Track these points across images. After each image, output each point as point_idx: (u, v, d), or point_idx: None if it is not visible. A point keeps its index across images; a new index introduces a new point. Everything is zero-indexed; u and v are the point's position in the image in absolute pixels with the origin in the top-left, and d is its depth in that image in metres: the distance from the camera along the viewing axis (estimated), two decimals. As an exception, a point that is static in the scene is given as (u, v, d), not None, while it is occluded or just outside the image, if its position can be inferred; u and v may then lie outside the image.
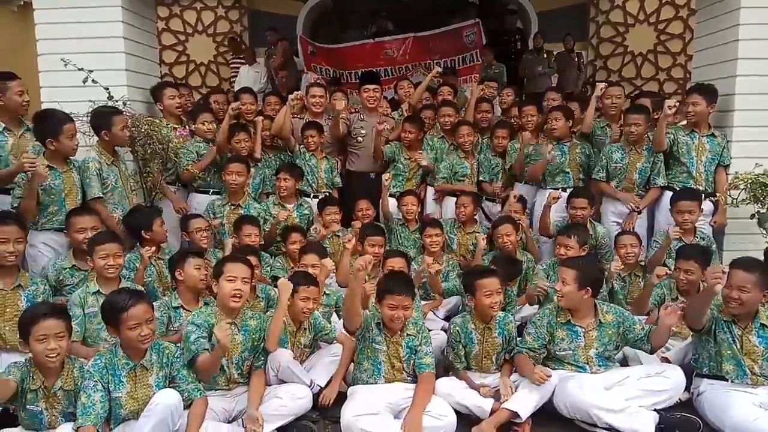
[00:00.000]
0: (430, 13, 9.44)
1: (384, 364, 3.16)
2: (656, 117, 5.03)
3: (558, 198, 4.59)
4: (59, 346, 2.64)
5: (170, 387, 2.83)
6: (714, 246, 4.47)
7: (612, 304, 3.51)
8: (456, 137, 5.24)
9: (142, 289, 3.51)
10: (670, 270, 3.87)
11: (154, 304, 3.40)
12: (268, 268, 4.39)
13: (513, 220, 4.52)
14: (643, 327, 3.31)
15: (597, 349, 3.26)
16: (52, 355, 2.62)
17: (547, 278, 4.14)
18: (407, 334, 3.20)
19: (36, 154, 3.86)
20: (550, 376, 3.06)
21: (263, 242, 4.51)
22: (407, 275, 3.53)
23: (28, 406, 2.67)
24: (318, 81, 6.15)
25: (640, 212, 4.77)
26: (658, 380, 3.14)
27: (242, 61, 8.76)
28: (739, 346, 3.14)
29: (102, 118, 4.18)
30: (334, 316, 3.94)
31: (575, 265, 3.27)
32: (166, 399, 2.70)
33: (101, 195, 4.08)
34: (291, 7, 9.38)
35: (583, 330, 3.26)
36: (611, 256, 4.56)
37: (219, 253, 4.32)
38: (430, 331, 3.78)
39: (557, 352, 3.29)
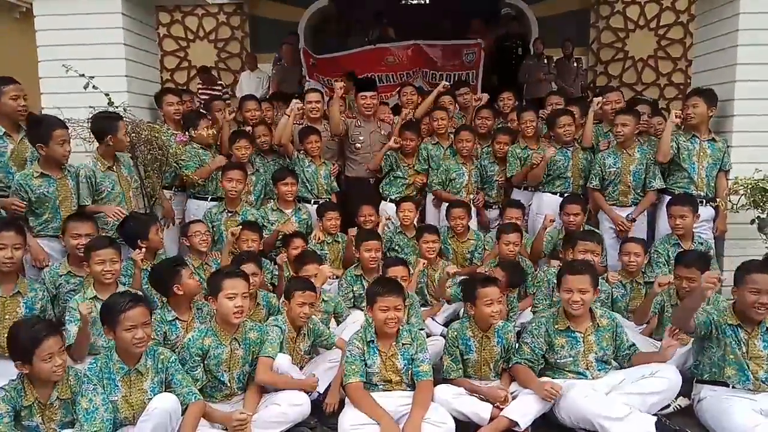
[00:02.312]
0: (433, 19, 9.50)
1: (379, 385, 3.13)
2: (660, 124, 5.03)
3: (553, 221, 4.58)
4: (63, 360, 2.64)
5: (166, 392, 2.82)
6: (712, 251, 4.45)
7: (605, 309, 3.51)
8: (455, 142, 5.24)
9: (141, 294, 3.51)
10: (672, 279, 3.85)
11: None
12: (269, 275, 4.38)
13: (519, 228, 4.52)
14: (631, 345, 3.34)
15: (596, 354, 3.25)
16: (59, 371, 2.62)
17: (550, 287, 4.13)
18: (402, 344, 3.17)
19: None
20: (559, 391, 3.01)
21: (262, 248, 4.49)
22: (395, 279, 3.49)
23: (23, 422, 2.63)
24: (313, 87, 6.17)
25: (633, 220, 4.77)
26: (653, 381, 3.12)
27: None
28: (744, 351, 3.12)
29: (109, 122, 4.17)
30: (333, 323, 3.93)
31: (588, 270, 3.29)
32: (164, 403, 2.70)
33: (88, 203, 4.08)
34: (292, 14, 9.43)
35: (582, 335, 3.25)
36: (605, 260, 4.56)
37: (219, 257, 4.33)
38: (429, 337, 3.79)
39: (558, 360, 3.26)
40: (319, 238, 4.75)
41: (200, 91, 8.55)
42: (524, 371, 3.22)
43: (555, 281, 4.06)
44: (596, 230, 4.68)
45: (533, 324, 3.36)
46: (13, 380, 2.66)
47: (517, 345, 3.41)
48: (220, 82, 8.86)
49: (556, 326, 3.27)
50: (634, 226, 4.78)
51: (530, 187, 5.25)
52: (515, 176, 5.18)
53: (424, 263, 4.35)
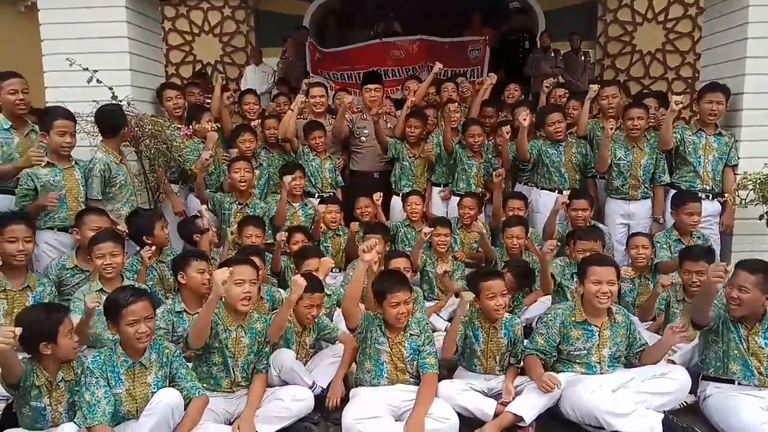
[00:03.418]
0: (437, 13, 9.44)
1: (387, 365, 3.13)
2: (663, 115, 4.98)
3: (566, 203, 4.51)
4: (76, 339, 2.79)
5: (170, 386, 2.83)
6: (715, 245, 4.40)
7: (620, 306, 3.47)
8: (465, 136, 5.21)
9: (147, 287, 3.51)
10: (674, 280, 3.81)
11: (158, 310, 3.40)
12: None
13: (525, 222, 4.50)
14: (642, 344, 3.31)
15: (610, 349, 3.23)
16: (78, 348, 2.77)
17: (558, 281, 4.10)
18: (410, 334, 3.17)
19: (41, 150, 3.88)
20: (557, 384, 3.00)
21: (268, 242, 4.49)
22: (399, 272, 3.50)
23: (32, 403, 2.68)
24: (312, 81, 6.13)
25: (661, 221, 4.76)
26: (664, 381, 3.11)
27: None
28: (745, 347, 3.11)
29: (122, 115, 4.22)
30: (336, 316, 3.91)
31: (611, 262, 3.31)
32: (167, 398, 2.71)
33: (100, 197, 4.09)
34: (298, 7, 9.39)
35: (598, 329, 3.23)
36: (611, 253, 4.54)
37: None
38: (433, 332, 3.77)
39: (571, 352, 3.24)
40: (321, 231, 4.75)
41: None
42: (533, 362, 3.20)
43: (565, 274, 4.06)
44: (597, 225, 4.63)
45: (549, 315, 3.33)
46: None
47: (523, 338, 3.38)
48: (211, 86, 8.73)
49: (572, 318, 3.25)
50: (641, 222, 4.76)
51: (530, 182, 5.22)
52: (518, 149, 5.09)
53: (426, 231, 4.34)
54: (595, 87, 5.06)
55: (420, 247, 4.38)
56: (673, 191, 4.70)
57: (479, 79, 5.90)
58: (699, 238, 4.38)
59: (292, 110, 5.11)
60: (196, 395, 2.86)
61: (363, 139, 5.41)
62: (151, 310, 2.84)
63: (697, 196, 4.43)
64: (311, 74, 7.73)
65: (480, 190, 5.19)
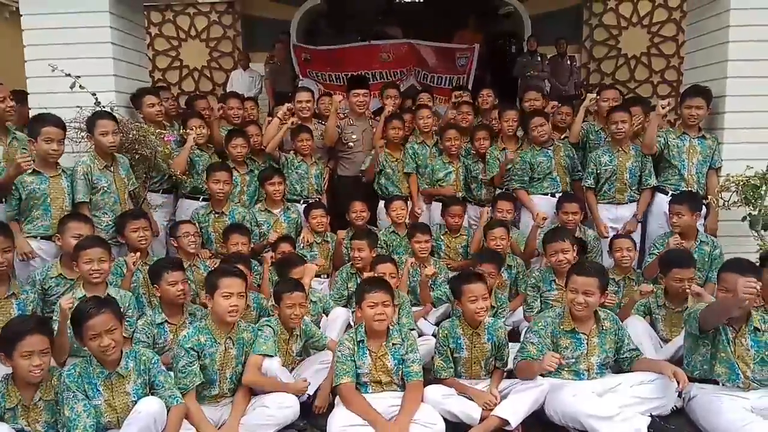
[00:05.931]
0: (427, 17, 9.49)
1: (369, 386, 3.11)
2: (648, 120, 5.02)
3: (546, 219, 4.54)
4: (43, 362, 2.63)
5: (150, 394, 2.79)
6: (718, 251, 4.33)
7: (608, 311, 3.47)
8: (442, 141, 5.21)
9: (120, 296, 3.45)
10: (655, 288, 3.82)
11: (139, 322, 3.39)
12: (258, 277, 4.34)
13: (505, 224, 4.50)
14: (633, 350, 3.30)
15: (599, 357, 3.23)
16: (36, 372, 2.61)
17: (538, 290, 4.07)
18: (392, 343, 3.15)
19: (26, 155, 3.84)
20: (558, 359, 3.02)
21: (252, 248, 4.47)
22: (380, 276, 3.50)
23: (9, 425, 2.63)
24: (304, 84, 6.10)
25: (641, 221, 4.76)
26: (651, 387, 3.12)
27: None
28: (731, 350, 3.11)
29: (87, 122, 4.19)
30: (323, 323, 3.90)
31: (597, 274, 3.23)
32: (149, 407, 2.68)
33: (86, 200, 4.05)
34: (284, 12, 9.39)
35: (586, 337, 3.23)
36: (600, 259, 4.55)
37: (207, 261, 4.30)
38: (420, 336, 3.77)
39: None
40: (308, 240, 4.72)
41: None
42: (526, 363, 3.18)
43: (540, 285, 4.06)
44: (586, 230, 4.65)
45: (539, 324, 3.30)
46: None
47: (507, 341, 3.38)
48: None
49: (561, 327, 3.25)
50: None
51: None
52: (495, 178, 5.12)
53: (412, 262, 4.34)
54: (592, 96, 5.06)
55: (426, 285, 4.27)
56: (659, 195, 4.71)
57: (457, 93, 5.89)
58: (707, 243, 4.31)
59: (279, 118, 5.06)
60: (175, 404, 2.81)
61: (351, 144, 5.39)
62: (113, 321, 2.73)
63: (685, 196, 4.37)
64: (300, 77, 7.73)
65: (461, 194, 5.19)
